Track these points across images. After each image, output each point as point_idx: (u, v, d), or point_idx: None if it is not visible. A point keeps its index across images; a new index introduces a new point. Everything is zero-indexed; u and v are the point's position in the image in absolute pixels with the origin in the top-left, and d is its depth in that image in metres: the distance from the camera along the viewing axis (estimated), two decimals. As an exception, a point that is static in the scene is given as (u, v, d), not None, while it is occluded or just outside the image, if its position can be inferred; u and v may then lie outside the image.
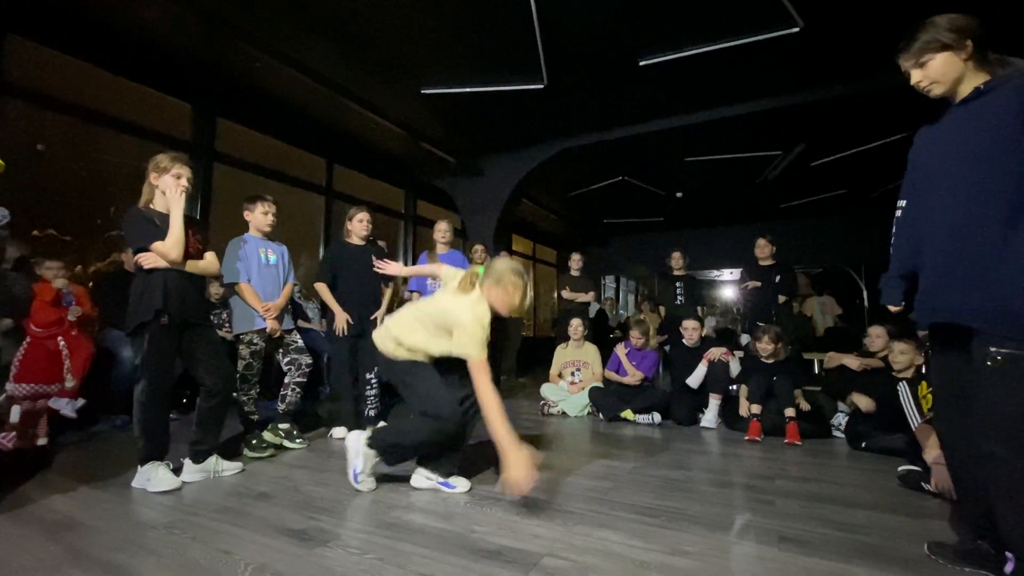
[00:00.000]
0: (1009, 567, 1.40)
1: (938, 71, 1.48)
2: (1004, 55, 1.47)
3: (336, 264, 3.41)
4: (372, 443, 2.20)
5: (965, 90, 1.49)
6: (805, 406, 3.45)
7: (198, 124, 4.77)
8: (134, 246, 2.26)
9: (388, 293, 3.57)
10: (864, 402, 3.16)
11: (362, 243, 3.49)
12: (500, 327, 5.11)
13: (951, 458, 1.67)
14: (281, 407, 3.03)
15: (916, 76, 1.53)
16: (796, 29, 3.80)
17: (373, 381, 3.49)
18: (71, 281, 3.39)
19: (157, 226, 2.26)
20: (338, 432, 3.31)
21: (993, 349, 1.34)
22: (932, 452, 2.26)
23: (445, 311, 2.15)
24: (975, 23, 1.45)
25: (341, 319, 3.29)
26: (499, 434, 1.92)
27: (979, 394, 1.40)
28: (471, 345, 2.00)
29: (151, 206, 2.35)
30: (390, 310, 3.46)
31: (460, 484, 2.24)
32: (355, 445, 2.22)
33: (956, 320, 1.42)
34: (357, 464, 2.21)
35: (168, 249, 2.24)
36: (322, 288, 3.36)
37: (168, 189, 2.30)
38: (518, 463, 1.88)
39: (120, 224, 2.33)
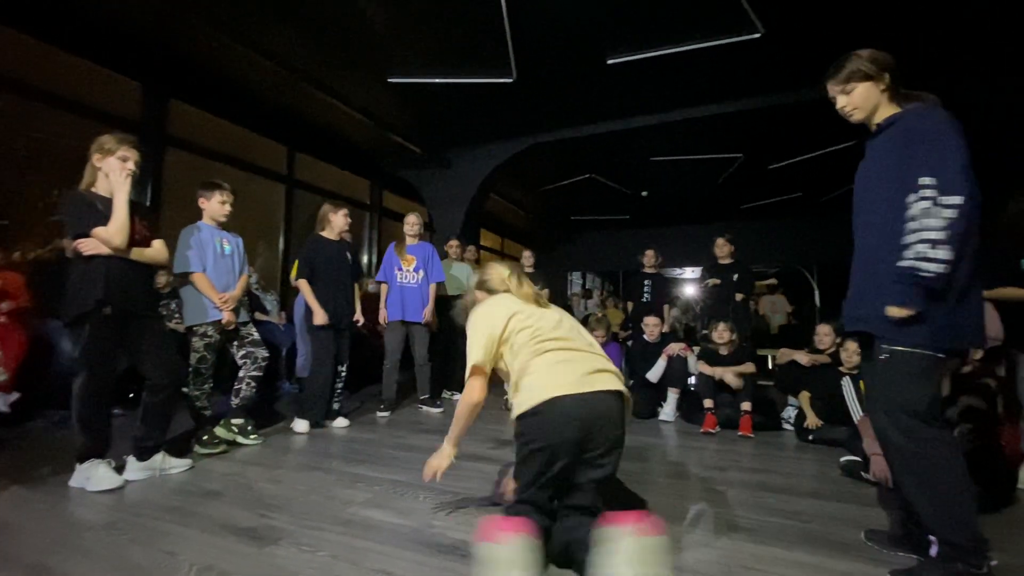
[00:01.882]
0: (934, 550, 1.49)
1: (860, 98, 1.65)
2: (914, 91, 1.64)
3: (314, 260, 3.40)
4: None
5: (878, 120, 1.65)
6: (734, 381, 3.59)
7: (149, 105, 4.52)
8: (73, 231, 2.12)
9: (357, 288, 3.61)
10: (810, 417, 3.28)
11: (337, 238, 3.51)
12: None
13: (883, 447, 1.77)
14: (235, 401, 2.93)
15: (841, 101, 1.70)
16: (757, 35, 3.92)
17: (343, 374, 3.46)
18: (4, 269, 3.17)
19: (99, 211, 2.14)
20: (300, 426, 3.24)
21: (884, 347, 1.55)
22: (871, 443, 2.38)
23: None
24: (892, 60, 1.62)
25: (321, 317, 3.29)
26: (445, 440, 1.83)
27: (875, 386, 1.62)
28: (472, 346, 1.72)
29: (93, 189, 2.22)
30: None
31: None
32: None
33: (866, 328, 1.62)
34: None
35: (111, 235, 2.12)
36: (304, 285, 3.36)
37: (112, 172, 2.18)
38: (439, 455, 1.81)
39: (59, 209, 2.19)
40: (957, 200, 1.38)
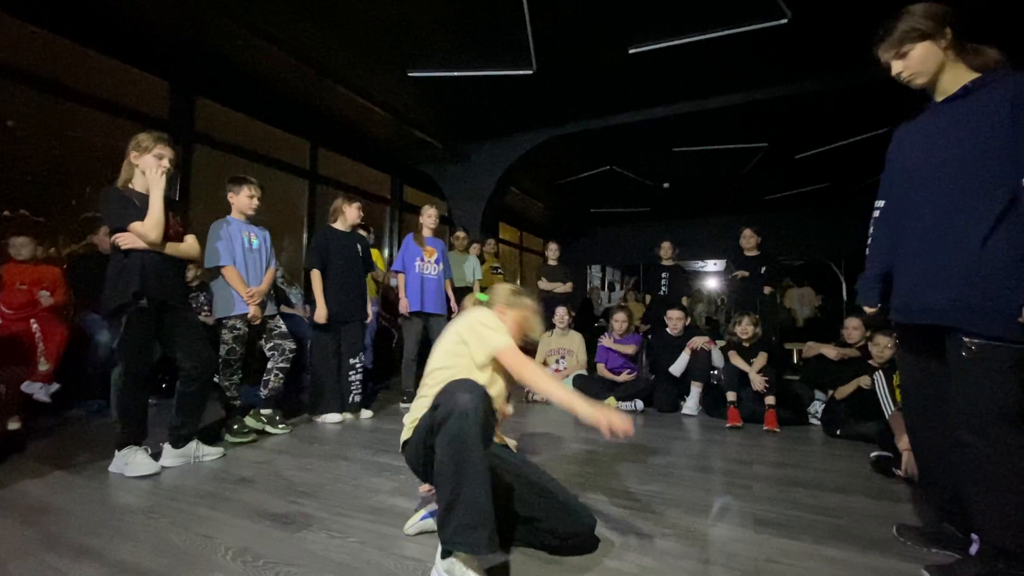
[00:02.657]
0: (974, 548, 1.45)
1: (918, 61, 1.47)
2: (979, 45, 1.47)
3: (324, 251, 3.44)
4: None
5: (947, 83, 1.48)
6: (759, 383, 3.53)
7: (176, 102, 4.63)
8: (112, 226, 2.20)
9: (371, 280, 3.64)
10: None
11: (348, 230, 3.52)
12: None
13: (918, 446, 1.72)
14: (264, 392, 3.00)
15: (897, 67, 1.52)
16: (784, 20, 3.81)
17: (358, 366, 3.50)
18: (43, 264, 3.28)
19: (136, 206, 2.21)
20: (329, 418, 3.31)
21: (967, 340, 1.36)
22: (904, 439, 2.33)
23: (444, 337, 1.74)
24: (951, 11, 1.44)
25: (322, 311, 3.34)
26: (573, 403, 1.55)
27: (954, 385, 1.42)
28: (490, 338, 1.62)
29: (130, 186, 2.29)
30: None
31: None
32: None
33: (936, 321, 1.44)
34: None
35: (147, 230, 2.18)
36: (315, 276, 3.40)
37: (148, 169, 2.24)
38: (604, 412, 1.53)
39: (97, 204, 2.26)
40: None
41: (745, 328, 3.80)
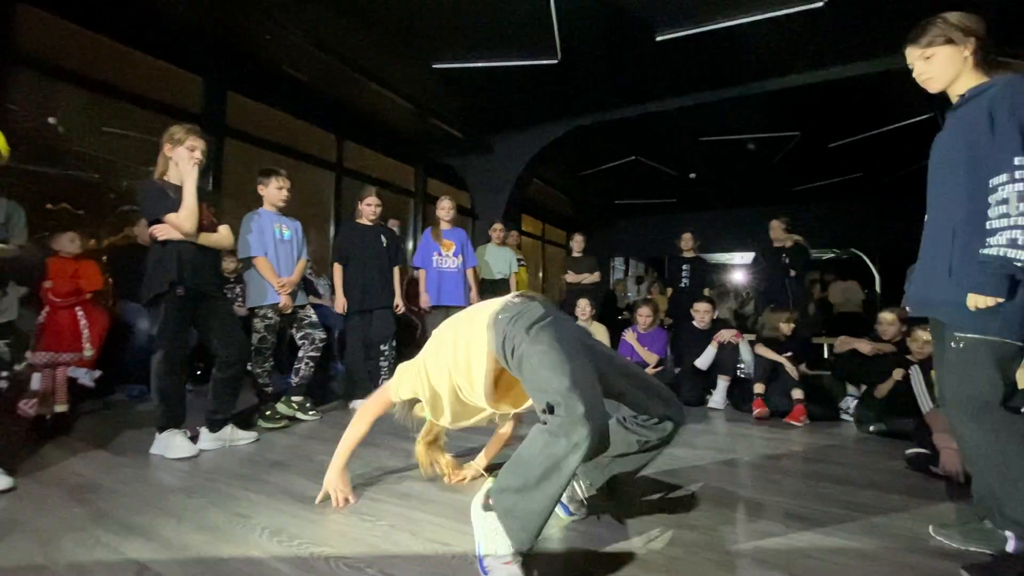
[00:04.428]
0: (1011, 545, 1.41)
1: (940, 65, 1.54)
2: (1005, 59, 1.52)
3: (347, 245, 3.55)
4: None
5: (958, 91, 1.55)
6: (793, 370, 3.48)
7: (208, 98, 4.74)
8: (148, 217, 2.28)
9: (397, 273, 3.70)
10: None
11: (371, 224, 3.60)
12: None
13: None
14: (295, 380, 3.08)
15: (919, 68, 1.59)
16: (820, 4, 3.68)
17: (385, 351, 3.57)
18: (82, 257, 3.41)
19: (171, 198, 2.28)
20: (358, 404, 3.39)
21: (957, 335, 1.47)
22: (942, 436, 2.25)
23: None
24: (982, 25, 1.50)
25: (340, 302, 3.46)
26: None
27: (946, 376, 1.53)
28: None
29: (165, 178, 2.36)
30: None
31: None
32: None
33: (932, 314, 1.57)
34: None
35: (182, 221, 2.25)
36: (336, 270, 3.54)
37: (181, 161, 2.31)
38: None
39: (134, 197, 2.35)
40: None
41: (785, 325, 3.74)
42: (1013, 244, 1.32)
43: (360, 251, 3.53)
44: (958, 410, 1.49)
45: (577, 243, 5.70)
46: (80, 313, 3.13)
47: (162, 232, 2.26)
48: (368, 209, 3.57)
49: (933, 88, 1.58)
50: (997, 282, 1.36)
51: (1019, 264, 1.31)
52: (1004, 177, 1.34)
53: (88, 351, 3.12)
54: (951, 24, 1.51)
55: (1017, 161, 1.32)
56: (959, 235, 1.46)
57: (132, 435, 2.60)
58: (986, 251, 1.37)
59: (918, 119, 5.63)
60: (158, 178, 2.36)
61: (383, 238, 3.64)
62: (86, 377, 3.18)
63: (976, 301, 1.39)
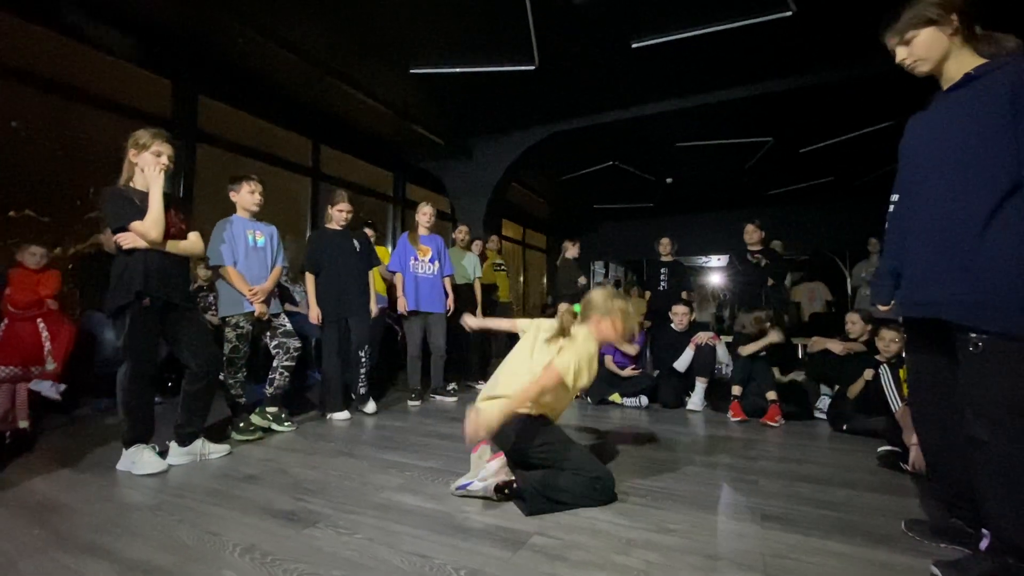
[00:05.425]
0: (984, 543, 1.44)
1: (923, 48, 1.46)
2: (991, 31, 1.44)
3: (319, 253, 3.47)
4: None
5: (952, 70, 1.47)
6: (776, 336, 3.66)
7: (179, 101, 4.63)
8: (113, 225, 2.20)
9: (378, 276, 3.65)
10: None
11: (342, 229, 3.55)
12: (492, 311, 5.11)
13: (925, 441, 1.70)
14: (269, 390, 3.01)
15: (901, 53, 1.51)
16: (789, 13, 3.77)
17: (363, 360, 3.52)
18: (46, 267, 3.28)
19: (136, 205, 2.20)
20: (338, 416, 3.32)
21: (974, 336, 1.35)
22: (911, 433, 2.31)
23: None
24: None
25: (313, 312, 3.39)
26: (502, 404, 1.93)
27: (963, 380, 1.40)
28: (565, 363, 1.93)
29: (131, 184, 2.29)
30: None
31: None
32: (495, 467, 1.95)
33: (939, 315, 1.42)
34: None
35: (147, 229, 2.18)
36: (308, 279, 3.46)
37: (147, 167, 2.24)
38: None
39: (98, 204, 2.27)
40: None
41: (760, 325, 3.81)
42: None
43: (333, 258, 3.46)
44: (974, 417, 1.35)
45: (572, 250, 5.72)
46: (42, 325, 3.01)
47: (127, 240, 2.19)
48: (340, 215, 3.52)
49: (921, 71, 1.50)
50: None
51: None
52: None
53: (50, 364, 3.01)
54: (929, 3, 1.43)
55: None
56: (984, 228, 1.32)
57: (98, 451, 2.51)
58: None
59: (885, 124, 5.82)
60: (123, 184, 2.29)
61: (355, 242, 3.59)
62: (51, 390, 3.06)
63: None
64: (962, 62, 1.44)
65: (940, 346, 1.50)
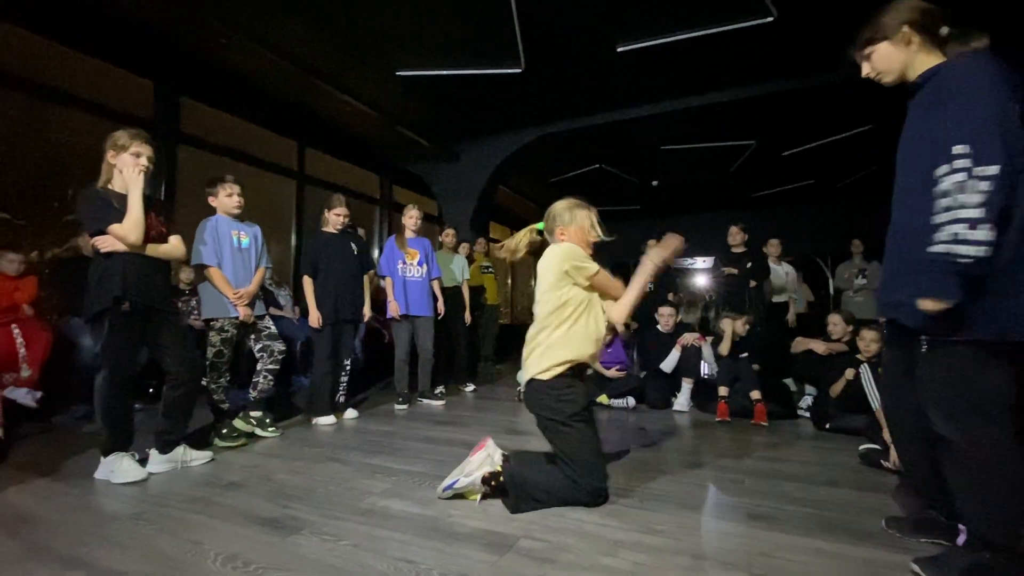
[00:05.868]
0: (961, 539, 1.47)
1: (881, 62, 1.53)
2: (965, 29, 1.48)
3: (317, 255, 3.45)
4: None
5: (912, 78, 1.51)
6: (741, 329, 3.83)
7: (160, 103, 4.55)
8: (90, 229, 2.15)
9: (367, 279, 3.64)
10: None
11: (338, 232, 3.53)
12: (479, 313, 5.10)
13: (897, 436, 1.75)
14: (253, 395, 2.96)
15: (865, 68, 1.59)
16: (770, 19, 3.84)
17: (347, 367, 3.50)
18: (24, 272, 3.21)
19: (115, 208, 2.16)
20: (323, 420, 3.28)
21: (924, 337, 1.41)
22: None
23: (544, 283, 2.03)
24: (916, 10, 1.46)
25: (314, 316, 3.35)
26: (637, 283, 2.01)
27: (917, 381, 1.47)
28: (584, 270, 1.96)
29: (109, 187, 2.24)
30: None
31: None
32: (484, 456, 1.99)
33: (900, 318, 1.49)
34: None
35: (126, 232, 2.14)
36: (306, 282, 3.43)
37: (126, 168, 2.20)
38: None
39: (76, 207, 2.21)
40: (993, 170, 1.19)
41: (736, 326, 3.85)
42: (955, 239, 1.22)
43: (330, 261, 3.44)
44: (933, 414, 1.41)
45: None
46: (16, 331, 2.94)
47: (105, 244, 2.14)
48: (337, 219, 3.50)
49: (887, 82, 1.56)
50: (945, 283, 1.27)
51: (965, 261, 1.22)
52: (945, 168, 1.26)
53: (25, 371, 2.93)
54: (880, 23, 1.50)
55: (956, 150, 1.24)
56: (915, 234, 1.38)
57: (75, 460, 2.44)
58: (932, 249, 1.28)
59: (865, 128, 5.93)
60: (101, 187, 2.24)
61: (353, 246, 3.57)
62: (27, 397, 2.99)
63: (925, 305, 1.32)
64: (919, 68, 1.48)
65: (910, 346, 1.53)
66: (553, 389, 1.94)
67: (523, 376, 2.05)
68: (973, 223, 1.20)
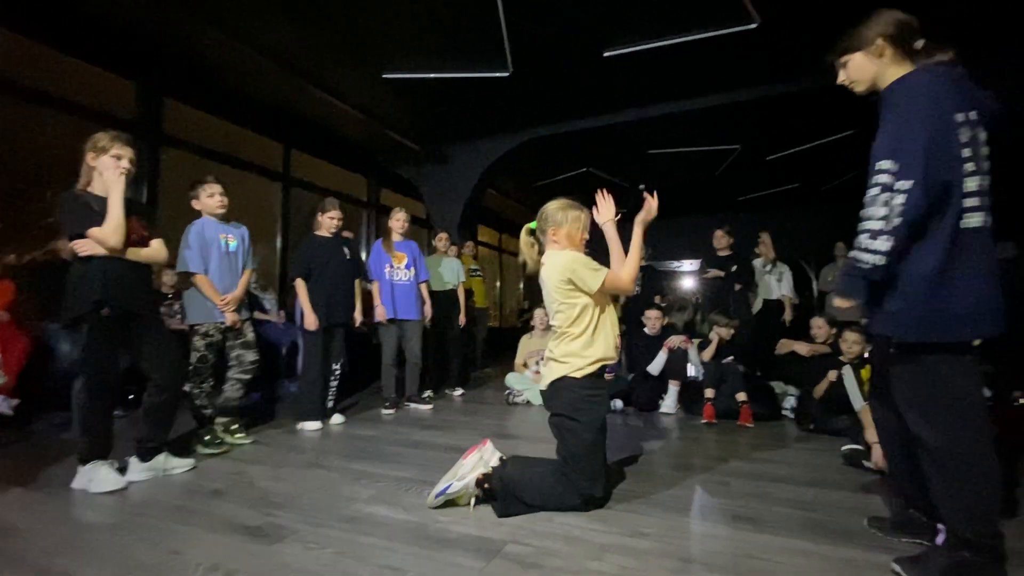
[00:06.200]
0: (940, 538, 1.49)
1: (855, 71, 1.58)
2: (933, 43, 1.50)
3: (309, 259, 3.41)
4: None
5: (882, 88, 1.56)
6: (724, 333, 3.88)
7: (143, 104, 4.49)
8: (69, 232, 2.11)
9: (358, 284, 3.62)
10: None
11: (332, 236, 3.51)
12: (469, 317, 5.08)
13: (883, 437, 1.78)
14: (218, 400, 2.89)
15: (840, 76, 1.64)
16: (753, 25, 3.90)
17: (337, 372, 3.47)
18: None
19: (95, 211, 2.12)
20: (309, 426, 3.24)
21: (894, 339, 1.46)
22: (872, 431, 2.39)
23: (548, 287, 2.05)
24: (890, 23, 1.50)
25: (310, 319, 3.31)
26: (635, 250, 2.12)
27: (892, 380, 1.52)
28: (592, 277, 1.95)
29: (89, 189, 2.20)
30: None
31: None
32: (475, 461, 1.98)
33: (870, 323, 1.55)
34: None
35: (106, 235, 2.10)
36: (299, 285, 3.38)
37: (107, 171, 2.16)
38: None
39: (55, 210, 2.17)
40: (906, 185, 1.29)
41: (721, 331, 3.90)
42: (858, 247, 1.39)
43: (323, 265, 3.41)
44: (909, 415, 1.46)
45: None
46: (-8, 337, 2.87)
47: (84, 247, 2.09)
48: (331, 222, 3.47)
49: (858, 91, 1.61)
50: (852, 284, 1.43)
51: (864, 267, 1.37)
52: (871, 180, 1.38)
53: (1, 378, 2.86)
54: (858, 33, 1.55)
55: (880, 165, 1.35)
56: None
57: (52, 469, 2.38)
58: (850, 254, 1.46)
59: (848, 133, 6.04)
60: (81, 189, 2.20)
61: (345, 250, 3.54)
62: (3, 404, 2.91)
63: (837, 302, 1.50)
64: (888, 81, 1.51)
65: (886, 346, 1.58)
66: (584, 388, 1.96)
67: (545, 380, 2.06)
68: (874, 234, 1.34)
